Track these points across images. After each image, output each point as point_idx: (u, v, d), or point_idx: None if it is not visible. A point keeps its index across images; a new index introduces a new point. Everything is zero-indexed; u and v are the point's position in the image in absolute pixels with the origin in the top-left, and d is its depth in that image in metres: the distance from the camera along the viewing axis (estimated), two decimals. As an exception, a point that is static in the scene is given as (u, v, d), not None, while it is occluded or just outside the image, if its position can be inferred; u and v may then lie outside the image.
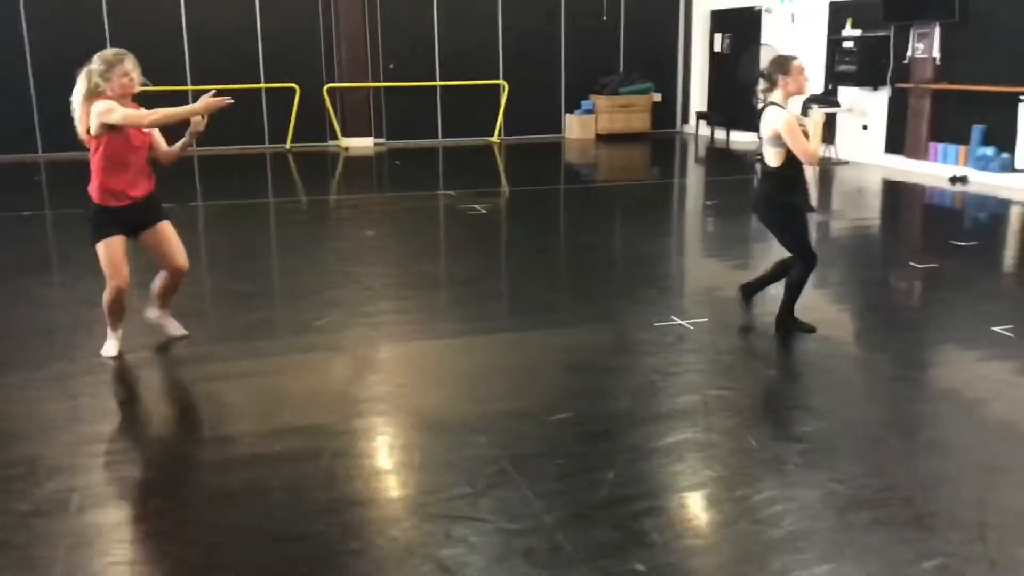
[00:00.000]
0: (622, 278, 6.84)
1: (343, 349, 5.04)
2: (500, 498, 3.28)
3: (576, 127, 15.50)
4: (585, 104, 15.50)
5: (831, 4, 12.58)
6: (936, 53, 10.89)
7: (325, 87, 14.23)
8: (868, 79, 11.82)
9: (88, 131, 4.46)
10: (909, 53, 11.26)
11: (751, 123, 14.85)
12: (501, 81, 15.03)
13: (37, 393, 4.36)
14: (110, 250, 4.55)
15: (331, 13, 14.27)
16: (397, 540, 3.03)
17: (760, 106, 5.03)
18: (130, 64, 4.48)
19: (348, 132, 14.51)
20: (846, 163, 12.11)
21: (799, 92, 4.98)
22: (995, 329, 5.16)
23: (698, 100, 16.03)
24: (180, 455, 3.87)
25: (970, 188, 10.21)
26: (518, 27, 15.07)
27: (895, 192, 10.69)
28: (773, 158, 4.95)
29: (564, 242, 8.29)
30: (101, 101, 4.39)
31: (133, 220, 4.63)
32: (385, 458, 3.77)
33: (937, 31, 10.84)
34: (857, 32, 11.95)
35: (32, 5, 13.17)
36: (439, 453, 3.72)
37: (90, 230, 4.62)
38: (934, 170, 10.96)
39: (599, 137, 15.40)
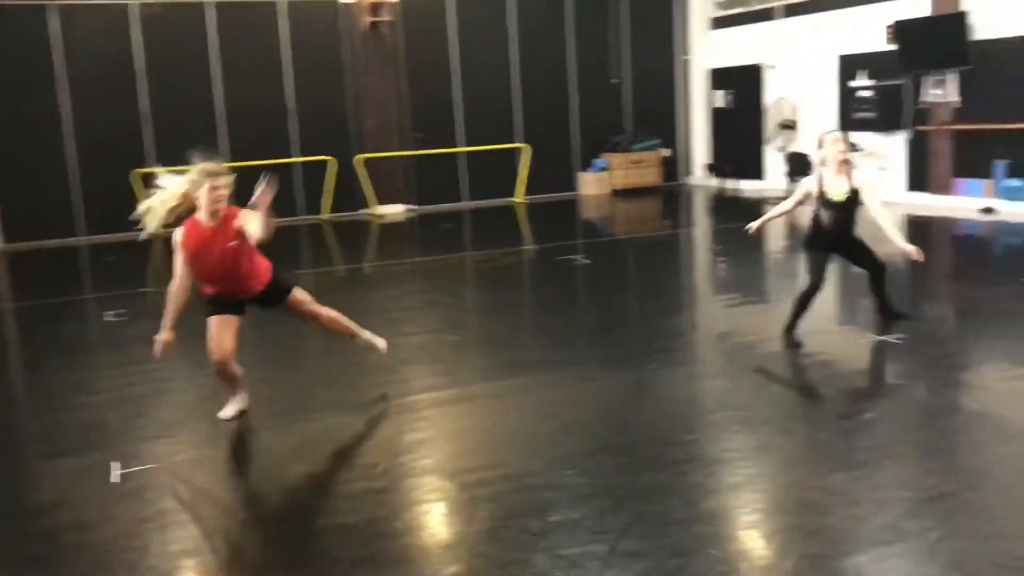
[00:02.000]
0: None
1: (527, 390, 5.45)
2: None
3: (591, 184, 16.20)
4: (599, 162, 16.24)
5: (841, 57, 13.63)
6: (954, 97, 11.94)
7: (356, 158, 14.63)
8: (885, 124, 12.82)
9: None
10: (927, 99, 12.29)
11: (758, 172, 15.81)
12: (521, 144, 15.66)
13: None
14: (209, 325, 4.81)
15: (359, 87, 14.76)
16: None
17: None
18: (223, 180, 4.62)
19: (380, 200, 14.89)
20: (869, 202, 13.04)
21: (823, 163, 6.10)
22: None
23: (701, 153, 16.94)
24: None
25: (1001, 217, 11.17)
26: (533, 92, 15.80)
27: (929, 225, 11.58)
28: None
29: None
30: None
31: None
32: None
33: (954, 77, 11.90)
34: (872, 82, 12.98)
35: (76, 84, 13.30)
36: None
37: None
38: (961, 203, 11.93)
39: (615, 192, 16.13)
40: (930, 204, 12.36)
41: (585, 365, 5.91)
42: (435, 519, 3.81)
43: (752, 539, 3.53)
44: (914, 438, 4.51)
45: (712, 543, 3.44)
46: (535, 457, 4.34)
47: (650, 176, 16.36)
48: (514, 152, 15.70)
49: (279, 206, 14.16)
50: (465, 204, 15.56)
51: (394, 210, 15.02)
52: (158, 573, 3.40)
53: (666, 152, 16.58)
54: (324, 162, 14.39)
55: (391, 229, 13.79)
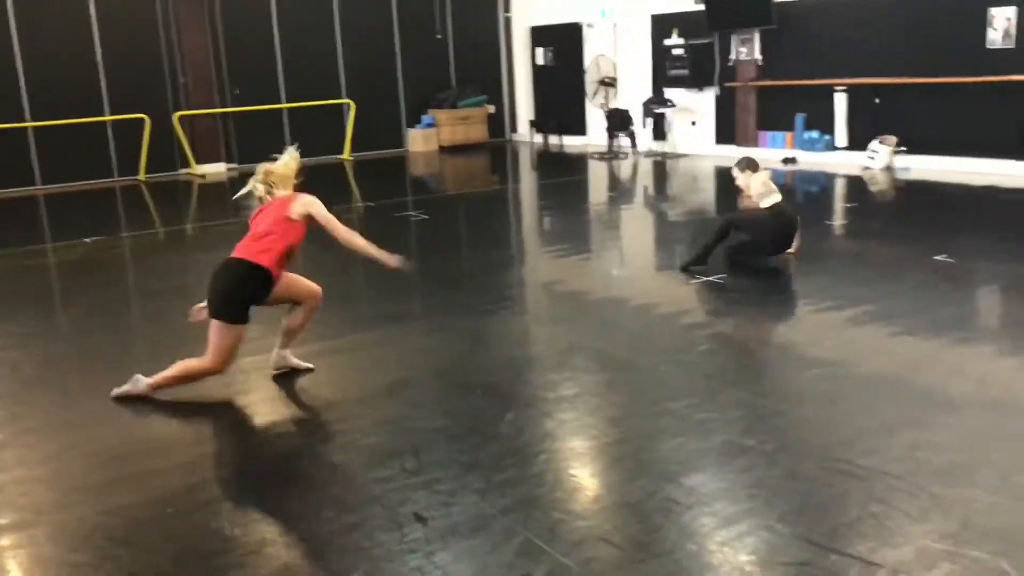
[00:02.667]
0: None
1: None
2: (731, 407, 4.15)
3: (419, 140, 16.24)
4: (426, 119, 16.28)
5: (653, 17, 14.25)
6: (758, 55, 12.79)
7: (175, 115, 13.99)
8: (697, 81, 13.56)
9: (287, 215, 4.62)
10: (733, 56, 13.10)
11: (580, 128, 16.29)
12: (346, 100, 15.45)
13: (219, 398, 4.63)
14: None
15: (174, 41, 14.07)
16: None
17: None
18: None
19: (200, 159, 14.34)
20: (684, 155, 13.80)
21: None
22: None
23: (525, 110, 17.29)
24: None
25: (801, 166, 12.14)
26: (357, 48, 15.59)
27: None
28: None
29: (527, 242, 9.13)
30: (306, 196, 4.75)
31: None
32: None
33: (757, 36, 12.74)
34: (682, 40, 13.67)
35: None
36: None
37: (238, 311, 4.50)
38: (766, 154, 12.83)
39: (442, 149, 16.24)
40: (737, 156, 13.19)
41: (434, 316, 6.09)
42: (311, 465, 3.88)
43: (610, 463, 3.82)
44: (743, 365, 4.97)
45: (574, 469, 3.71)
46: (403, 402, 4.48)
47: (476, 132, 16.57)
48: (340, 108, 15.49)
49: (92, 168, 13.31)
50: (291, 162, 15.22)
51: (215, 169, 14.51)
52: (15, 543, 3.31)
53: (491, 108, 16.81)
54: (138, 120, 13.67)
55: (214, 189, 13.32)
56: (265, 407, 4.59)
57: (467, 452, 3.83)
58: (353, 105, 15.38)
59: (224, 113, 14.60)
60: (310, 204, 4.69)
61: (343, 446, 3.99)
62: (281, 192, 4.79)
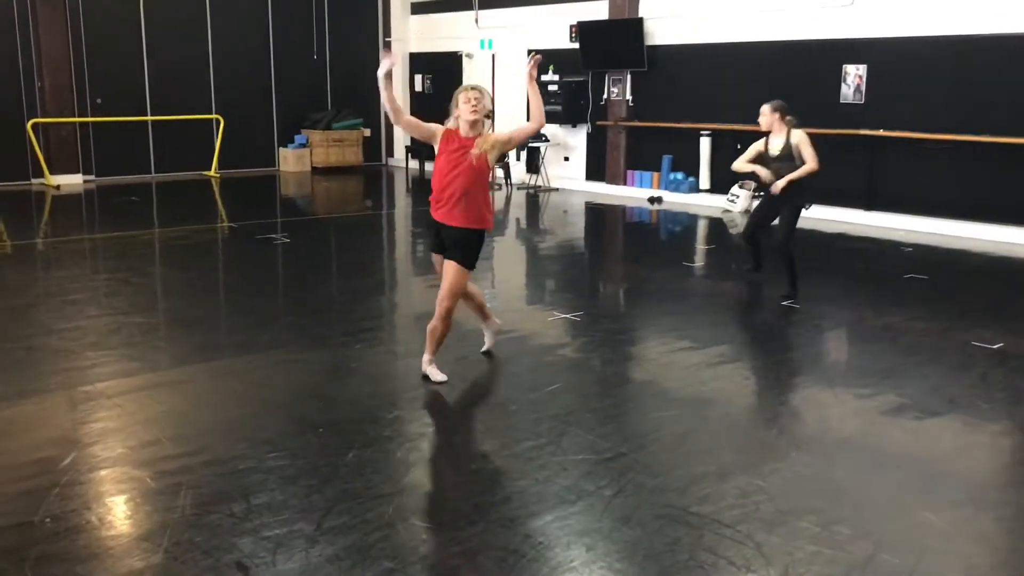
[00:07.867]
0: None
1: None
2: (574, 450, 4.15)
3: (291, 160, 15.93)
4: (299, 138, 15.99)
5: (530, 52, 14.41)
6: (629, 96, 13.12)
7: (29, 122, 13.27)
8: (570, 118, 13.80)
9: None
10: (605, 96, 13.40)
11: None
12: (215, 115, 15.02)
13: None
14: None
15: (31, 44, 13.37)
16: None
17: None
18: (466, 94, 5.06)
19: (54, 169, 13.64)
20: (556, 189, 13.99)
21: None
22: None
23: (402, 135, 17.21)
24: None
25: (666, 206, 12.47)
26: (229, 63, 15.21)
27: (605, 212, 12.68)
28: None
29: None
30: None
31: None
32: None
33: (629, 78, 13.07)
34: (557, 76, 13.90)
35: None
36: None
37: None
38: (633, 193, 13.15)
39: (315, 170, 15.97)
40: (606, 192, 13.52)
41: (287, 346, 5.90)
42: (131, 510, 3.66)
43: (447, 508, 3.75)
44: (592, 406, 4.99)
45: (416, 514, 3.62)
46: (238, 441, 4.30)
47: (351, 155, 16.39)
48: (209, 123, 15.04)
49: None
50: (153, 176, 14.68)
51: (71, 181, 13.83)
52: None
53: (367, 132, 16.68)
54: (-12, 125, 12.94)
55: (69, 201, 12.69)
56: (80, 444, 4.32)
57: (301, 495, 3.69)
58: (222, 121, 14.96)
59: (83, 123, 13.95)
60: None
61: (166, 489, 3.78)
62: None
